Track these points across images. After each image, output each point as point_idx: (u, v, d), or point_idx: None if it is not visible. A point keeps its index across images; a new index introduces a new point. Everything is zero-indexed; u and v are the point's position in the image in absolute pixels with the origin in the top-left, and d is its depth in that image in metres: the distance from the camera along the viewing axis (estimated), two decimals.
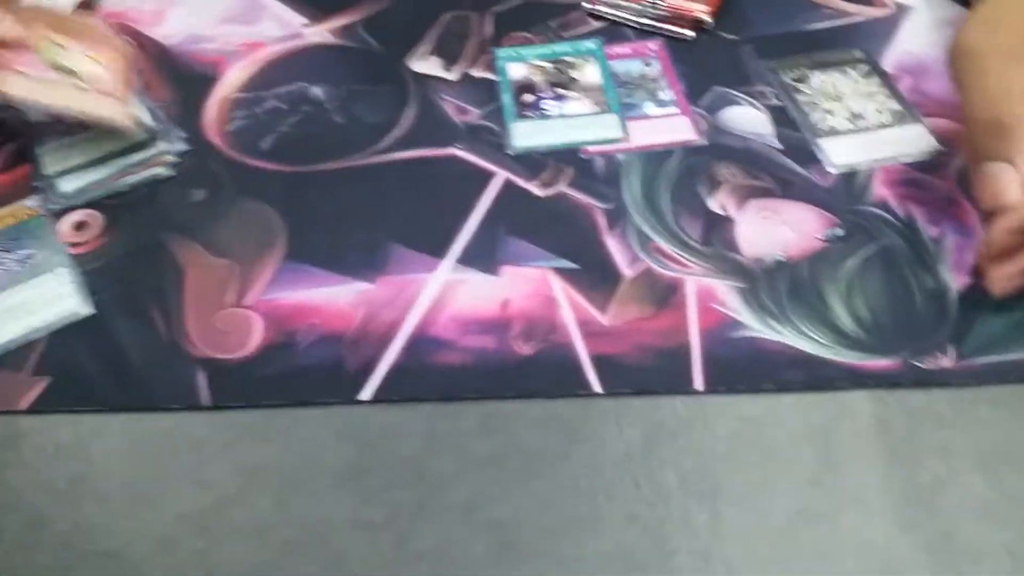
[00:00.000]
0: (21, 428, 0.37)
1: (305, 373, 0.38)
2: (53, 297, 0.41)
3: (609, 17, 0.54)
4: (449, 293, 0.40)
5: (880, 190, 0.43)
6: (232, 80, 0.51)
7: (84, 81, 0.45)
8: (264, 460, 0.35)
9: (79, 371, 0.38)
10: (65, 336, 0.40)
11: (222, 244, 0.43)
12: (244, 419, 0.37)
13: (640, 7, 0.53)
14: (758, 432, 0.35)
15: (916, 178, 0.44)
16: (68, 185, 0.45)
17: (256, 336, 0.39)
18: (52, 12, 0.49)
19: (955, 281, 0.40)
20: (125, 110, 0.46)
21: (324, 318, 0.40)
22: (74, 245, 0.43)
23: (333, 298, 0.40)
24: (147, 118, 0.47)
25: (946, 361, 0.37)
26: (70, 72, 0.45)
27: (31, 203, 0.45)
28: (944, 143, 0.45)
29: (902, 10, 0.54)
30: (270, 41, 0.53)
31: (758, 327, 0.39)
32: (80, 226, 0.44)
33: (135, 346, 0.39)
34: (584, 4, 0.54)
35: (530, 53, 0.52)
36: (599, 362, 0.38)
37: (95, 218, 0.44)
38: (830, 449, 0.35)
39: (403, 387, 0.37)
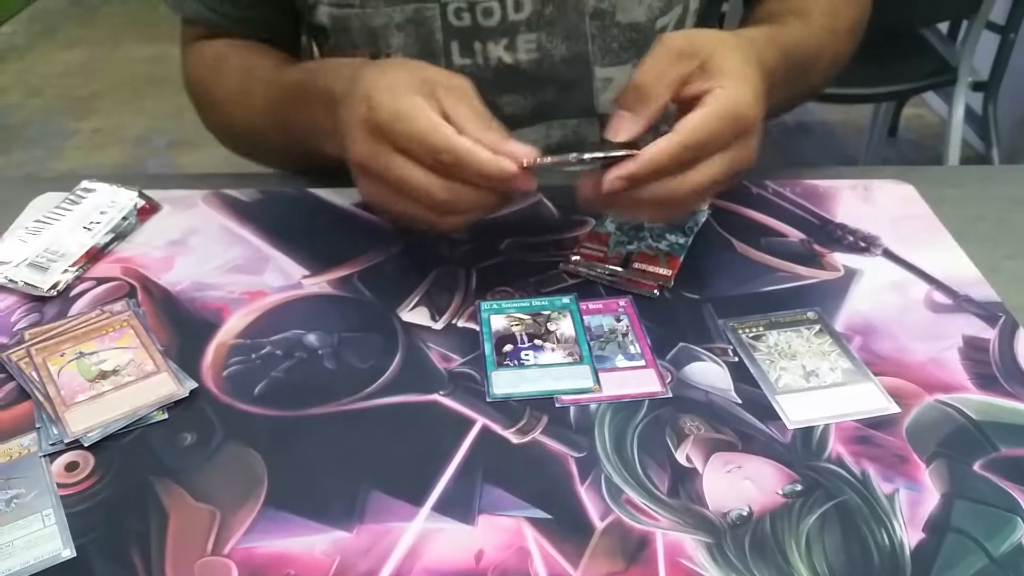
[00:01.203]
0: None
1: None
2: (36, 539, 0.42)
3: (583, 275, 0.59)
4: (425, 543, 0.42)
5: (836, 447, 0.46)
6: (232, 327, 0.55)
7: (126, 372, 0.50)
8: None
9: None
10: None
11: (206, 489, 0.44)
12: None
13: (610, 269, 0.58)
14: None
15: (869, 435, 0.47)
16: (84, 434, 0.47)
17: None
18: (57, 327, 0.54)
19: (909, 538, 0.41)
20: (169, 376, 0.50)
21: (299, 568, 0.40)
22: (63, 486, 0.44)
23: (309, 547, 0.41)
24: (180, 372, 0.51)
25: None
26: (113, 372, 0.49)
27: (27, 442, 0.47)
28: (895, 401, 0.48)
29: (851, 273, 0.59)
30: (272, 291, 0.58)
31: None
32: (71, 467, 0.46)
33: None
34: (561, 265, 0.59)
35: (510, 306, 0.56)
36: None
37: (86, 459, 0.46)
38: None
39: None
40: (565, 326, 0.54)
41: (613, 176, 0.49)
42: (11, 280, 0.58)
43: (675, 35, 0.53)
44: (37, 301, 0.57)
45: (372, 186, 0.52)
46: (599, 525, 0.42)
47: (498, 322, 0.55)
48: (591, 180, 0.51)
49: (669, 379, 0.50)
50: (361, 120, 0.50)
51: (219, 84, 0.71)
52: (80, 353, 0.52)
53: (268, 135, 0.67)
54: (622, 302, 0.56)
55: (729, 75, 0.50)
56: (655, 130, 0.51)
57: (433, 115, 0.49)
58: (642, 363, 0.51)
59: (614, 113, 0.52)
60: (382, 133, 0.49)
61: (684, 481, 0.44)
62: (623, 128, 0.51)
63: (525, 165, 0.49)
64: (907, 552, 0.41)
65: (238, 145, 0.74)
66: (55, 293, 0.57)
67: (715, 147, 0.50)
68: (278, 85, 0.64)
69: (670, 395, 0.49)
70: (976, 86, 1.83)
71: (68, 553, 0.41)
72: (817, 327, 0.54)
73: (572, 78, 0.71)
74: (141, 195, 0.66)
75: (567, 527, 0.42)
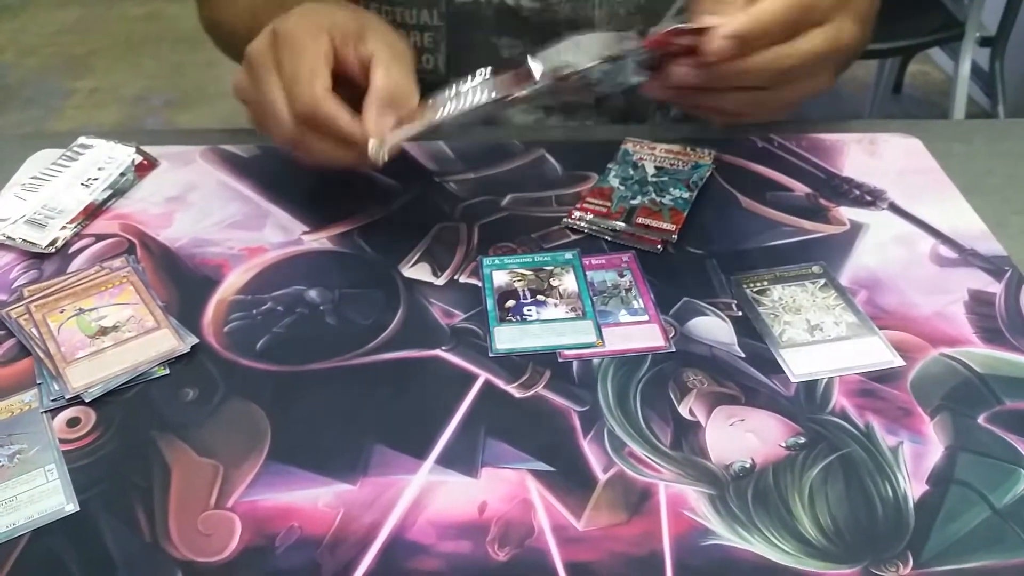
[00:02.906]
0: None
1: None
2: (39, 494, 0.42)
3: (586, 231, 0.58)
4: (429, 495, 0.42)
5: (840, 400, 0.46)
6: (232, 283, 0.54)
7: (126, 328, 0.49)
8: None
9: (59, 570, 0.39)
10: (47, 534, 0.40)
11: (209, 444, 0.44)
12: None
13: (613, 224, 0.58)
14: None
15: (873, 388, 0.47)
16: (85, 390, 0.47)
17: (235, 538, 0.40)
18: (56, 283, 0.53)
19: (913, 490, 0.41)
20: (170, 332, 0.49)
21: (303, 520, 0.40)
22: (65, 441, 0.44)
23: (313, 500, 0.41)
24: (181, 328, 0.50)
25: (905, 570, 0.38)
26: (114, 328, 0.49)
27: (29, 398, 0.47)
28: (899, 354, 0.48)
29: (857, 227, 0.58)
30: (271, 246, 0.57)
31: (727, 535, 0.40)
32: (73, 422, 0.46)
33: (117, 546, 0.40)
34: (564, 220, 0.59)
35: (513, 262, 0.56)
36: (573, 569, 0.38)
37: (88, 415, 0.46)
38: None
39: None
40: (568, 281, 0.54)
41: (722, 34, 0.45)
42: (9, 237, 0.57)
43: None
44: (36, 258, 0.57)
45: (245, 84, 0.54)
46: (602, 477, 0.42)
47: (500, 277, 0.54)
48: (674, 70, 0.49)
49: (672, 334, 0.50)
50: (271, 26, 0.52)
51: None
52: (80, 309, 0.52)
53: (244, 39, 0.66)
54: (625, 257, 0.56)
55: None
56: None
57: (322, 60, 0.50)
58: (645, 318, 0.51)
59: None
60: (275, 46, 0.51)
61: (687, 434, 0.44)
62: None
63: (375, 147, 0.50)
64: (911, 504, 0.41)
65: (225, 46, 0.74)
66: (54, 250, 0.57)
67: (819, 12, 0.48)
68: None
69: (673, 350, 0.49)
70: (983, 41, 1.80)
71: (71, 507, 0.41)
72: (822, 281, 0.53)
73: (570, 24, 0.69)
74: (139, 151, 0.65)
75: (570, 479, 0.42)
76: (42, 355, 0.49)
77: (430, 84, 0.74)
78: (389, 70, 0.51)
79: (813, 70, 0.49)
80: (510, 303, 0.52)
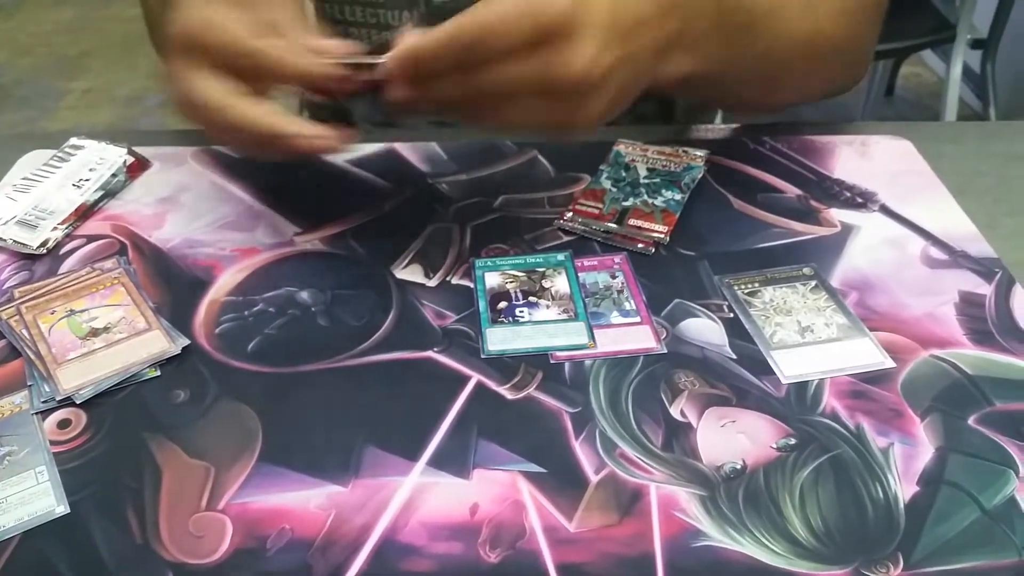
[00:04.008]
0: None
1: None
2: (30, 496, 0.42)
3: (578, 232, 0.58)
4: (420, 497, 0.42)
5: (830, 401, 0.46)
6: (224, 284, 0.54)
7: (117, 330, 0.49)
8: None
9: (49, 572, 0.38)
10: (38, 536, 0.40)
11: (200, 445, 0.44)
12: None
13: (605, 225, 0.58)
14: None
15: (864, 390, 0.47)
16: (76, 391, 0.47)
17: (227, 540, 0.40)
18: (47, 284, 0.53)
19: (903, 491, 0.41)
20: (161, 333, 0.49)
21: (295, 522, 0.40)
22: (55, 443, 0.44)
23: (304, 502, 0.41)
24: (172, 330, 0.50)
25: (895, 571, 0.38)
26: (105, 330, 0.49)
27: (19, 399, 0.47)
28: (890, 356, 0.48)
29: (848, 229, 0.59)
30: (263, 248, 0.57)
31: (718, 536, 0.40)
32: (63, 424, 0.46)
33: (107, 548, 0.39)
34: (556, 221, 0.59)
35: (505, 263, 0.56)
36: (564, 571, 0.38)
37: (79, 416, 0.46)
38: None
39: None
40: (560, 283, 0.54)
41: (390, 58, 0.46)
42: (0, 238, 0.57)
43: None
44: (26, 259, 0.56)
45: (179, 100, 0.51)
46: (593, 479, 0.42)
47: (492, 279, 0.54)
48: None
49: (664, 335, 0.50)
50: (175, 33, 0.50)
51: None
52: (71, 311, 0.51)
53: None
54: (617, 259, 0.56)
55: None
56: None
57: (241, 27, 0.48)
58: (637, 319, 0.51)
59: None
60: (190, 45, 0.49)
61: (678, 435, 0.44)
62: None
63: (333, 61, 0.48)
64: (901, 505, 0.41)
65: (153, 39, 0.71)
66: (44, 251, 0.57)
67: (504, 44, 0.43)
68: None
69: (665, 351, 0.49)
70: (975, 44, 1.81)
71: (62, 509, 0.41)
72: (813, 283, 0.53)
73: None
74: (130, 152, 0.65)
75: (562, 481, 0.42)
76: (33, 356, 0.49)
77: None
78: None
79: (508, 100, 0.46)
80: (502, 304, 0.52)
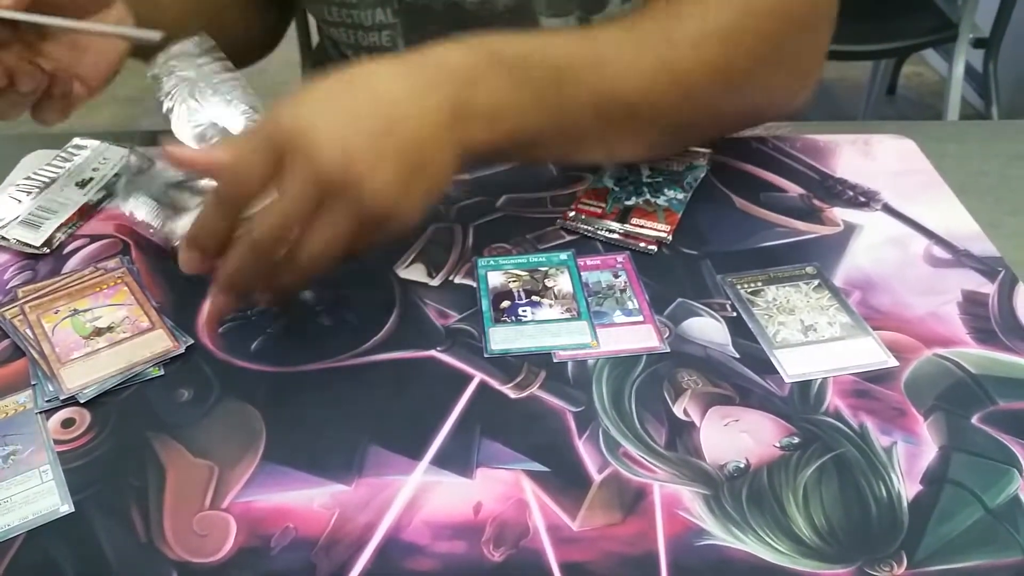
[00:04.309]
0: None
1: None
2: (34, 495, 0.42)
3: (581, 232, 0.58)
4: (424, 496, 0.42)
5: (834, 400, 0.46)
6: None
7: (120, 329, 0.49)
8: None
9: (54, 571, 0.39)
10: (42, 535, 0.40)
11: (204, 444, 0.44)
12: None
13: (608, 225, 0.58)
14: None
15: (867, 389, 0.47)
16: (80, 391, 0.47)
17: (230, 539, 0.40)
18: (51, 284, 0.53)
19: (907, 490, 0.41)
20: (164, 332, 0.50)
21: (298, 521, 0.40)
22: (59, 442, 0.44)
23: (308, 501, 0.41)
24: (175, 329, 0.50)
25: (899, 570, 0.38)
26: (108, 329, 0.49)
27: (23, 399, 0.47)
28: (893, 355, 0.48)
29: (850, 228, 0.59)
30: None
31: (721, 535, 0.40)
32: (67, 423, 0.46)
33: (112, 546, 0.39)
34: (558, 221, 0.59)
35: (508, 262, 0.56)
36: (568, 570, 0.38)
37: (83, 416, 0.46)
38: None
39: None
40: (563, 282, 0.54)
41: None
42: (3, 238, 0.57)
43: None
44: (30, 259, 0.57)
45: None
46: (597, 478, 0.42)
47: (495, 278, 0.54)
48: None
49: (667, 334, 0.50)
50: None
51: None
52: (74, 310, 0.51)
53: None
54: (620, 258, 0.56)
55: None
56: None
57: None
58: (640, 319, 0.51)
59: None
60: None
61: (681, 434, 0.44)
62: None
63: None
64: (904, 504, 0.41)
65: None
66: (48, 251, 0.57)
67: (250, 186, 0.43)
68: None
69: (668, 350, 0.49)
70: (977, 43, 1.81)
71: (66, 508, 0.41)
72: (816, 282, 0.53)
73: (516, 25, 0.69)
74: (132, 151, 0.65)
75: (565, 479, 0.42)
76: (36, 356, 0.49)
77: None
78: None
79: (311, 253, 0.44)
80: (505, 304, 0.52)
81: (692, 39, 0.52)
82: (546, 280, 0.54)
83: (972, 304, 0.52)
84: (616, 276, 0.54)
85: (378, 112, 0.44)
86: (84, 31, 0.54)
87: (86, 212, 0.60)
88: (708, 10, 0.52)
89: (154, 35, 0.49)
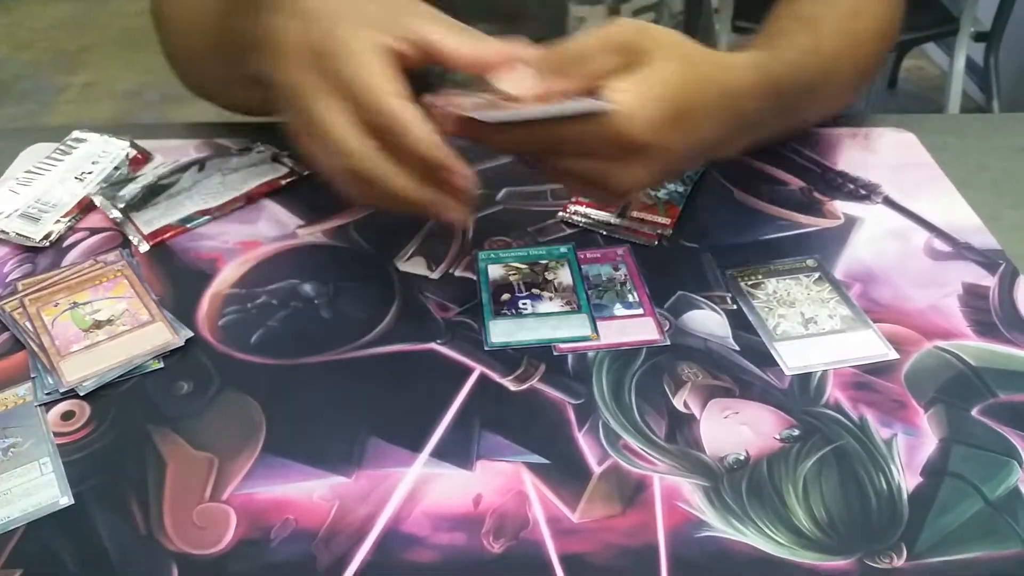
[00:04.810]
0: None
1: (277, 571, 0.38)
2: (34, 487, 0.42)
3: (581, 225, 0.58)
4: (424, 488, 0.42)
5: (834, 392, 0.46)
6: (227, 276, 0.54)
7: (120, 322, 0.49)
8: None
9: (53, 563, 0.39)
10: (42, 527, 0.40)
11: (204, 437, 0.44)
12: None
13: (608, 218, 0.58)
14: None
15: (867, 381, 0.47)
16: (80, 383, 0.47)
17: (230, 531, 0.40)
18: (50, 277, 0.53)
19: (907, 482, 0.41)
20: (164, 325, 0.49)
21: (298, 513, 0.40)
22: (59, 434, 0.44)
23: (308, 492, 0.41)
24: (175, 322, 0.50)
25: (899, 561, 0.38)
26: (108, 322, 0.49)
27: (23, 391, 0.47)
28: (893, 347, 0.48)
29: (851, 221, 0.58)
30: (266, 240, 0.57)
31: (721, 527, 0.40)
32: (67, 416, 0.46)
33: (111, 539, 0.39)
34: (559, 214, 0.59)
35: (508, 256, 0.56)
36: (568, 561, 0.38)
37: (82, 408, 0.46)
38: None
39: None
40: (563, 275, 0.54)
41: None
42: (3, 231, 0.57)
43: (632, 24, 0.45)
44: (30, 252, 0.56)
45: (296, 121, 0.45)
46: (597, 470, 0.42)
47: (495, 271, 0.54)
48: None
49: (667, 327, 0.50)
50: (295, 41, 0.43)
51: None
52: (74, 303, 0.51)
53: (209, 60, 0.60)
54: (620, 251, 0.56)
55: (643, 83, 0.43)
56: None
57: (382, 60, 0.42)
58: (640, 311, 0.51)
59: (517, 63, 0.45)
60: (317, 65, 0.42)
61: (681, 427, 0.44)
62: (516, 81, 0.44)
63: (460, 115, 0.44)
64: (904, 496, 0.41)
65: (187, 76, 0.67)
66: (48, 244, 0.57)
67: (575, 148, 0.44)
68: None
69: (668, 343, 0.49)
70: (978, 36, 1.81)
71: (66, 500, 0.41)
72: (816, 275, 0.53)
73: (546, 13, 0.69)
74: (132, 145, 0.65)
75: (565, 472, 0.42)
76: (36, 349, 0.49)
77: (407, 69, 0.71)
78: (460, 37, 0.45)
79: (570, 184, 0.49)
80: (505, 297, 0.52)
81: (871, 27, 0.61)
82: (546, 273, 0.54)
83: (973, 297, 0.52)
84: (616, 269, 0.54)
85: (698, 139, 0.46)
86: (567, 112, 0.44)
87: (85, 205, 0.60)
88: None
89: (605, 106, 0.42)
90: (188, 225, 0.57)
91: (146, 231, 0.56)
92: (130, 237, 0.56)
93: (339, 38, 0.42)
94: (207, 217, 0.58)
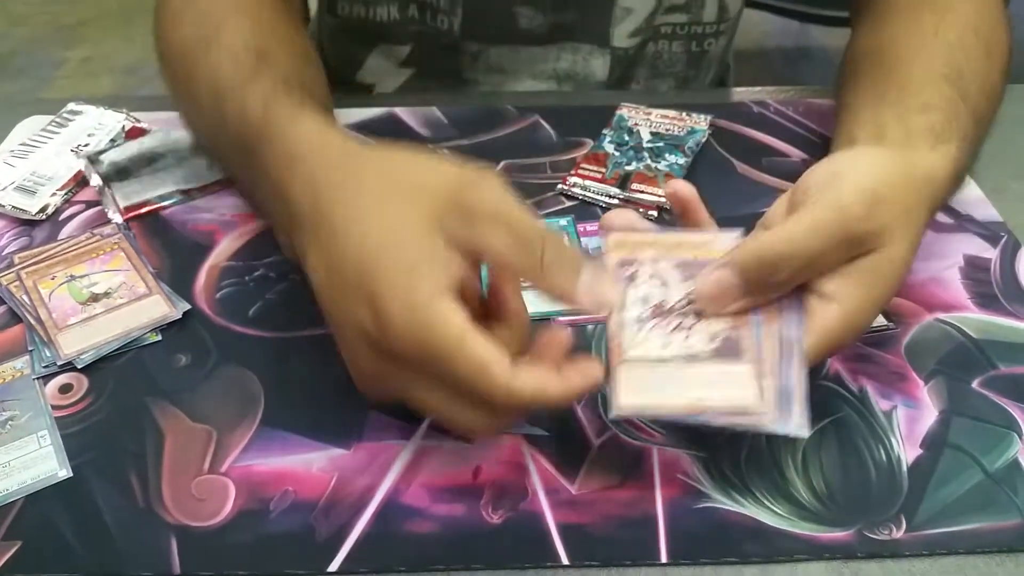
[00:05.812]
0: None
1: (275, 542, 0.38)
2: (32, 460, 0.42)
3: (580, 197, 0.58)
4: (422, 459, 0.42)
5: (834, 364, 0.46)
6: (224, 249, 0.54)
7: (117, 295, 0.49)
8: None
9: (52, 535, 0.39)
10: (40, 499, 0.40)
11: (202, 409, 0.44)
12: None
13: (607, 190, 0.57)
14: None
15: (868, 353, 0.46)
16: (77, 356, 0.47)
17: (229, 503, 0.40)
18: (47, 250, 0.53)
19: (906, 453, 0.41)
20: (161, 298, 0.49)
21: (297, 484, 0.40)
22: (57, 407, 0.44)
23: (307, 464, 0.41)
24: (173, 295, 0.50)
25: (898, 533, 0.38)
26: (105, 295, 0.48)
27: (20, 364, 0.47)
28: (894, 319, 0.48)
29: None
30: None
31: (720, 498, 0.40)
32: (65, 389, 0.45)
33: (110, 511, 0.40)
34: (558, 186, 0.58)
35: None
36: (566, 532, 0.38)
37: (80, 381, 0.46)
38: None
39: (372, 557, 0.38)
40: None
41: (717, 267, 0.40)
42: None
43: (861, 204, 0.39)
44: (26, 225, 0.56)
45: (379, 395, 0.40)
46: (596, 441, 0.42)
47: None
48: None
49: None
50: (361, 331, 0.36)
51: (190, 79, 0.54)
52: (71, 276, 0.51)
53: (228, 165, 0.54)
54: None
55: (863, 284, 0.39)
56: None
57: (456, 323, 0.35)
58: None
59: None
60: (391, 355, 0.36)
61: None
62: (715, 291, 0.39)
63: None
64: (904, 468, 0.41)
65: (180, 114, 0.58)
66: (44, 216, 0.56)
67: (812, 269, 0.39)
68: (239, 119, 0.46)
69: None
70: None
71: (64, 473, 0.41)
72: None
73: (592, 1, 0.68)
74: (129, 117, 0.64)
75: (564, 444, 0.42)
76: (33, 322, 0.48)
77: (444, 46, 0.70)
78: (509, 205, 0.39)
79: None
80: None
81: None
82: None
83: (974, 269, 0.52)
84: None
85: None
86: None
87: (82, 178, 0.59)
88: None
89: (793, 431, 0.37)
90: (164, 203, 0.57)
91: (123, 204, 0.56)
92: (106, 209, 0.56)
93: (408, 327, 0.35)
94: (184, 197, 0.57)
